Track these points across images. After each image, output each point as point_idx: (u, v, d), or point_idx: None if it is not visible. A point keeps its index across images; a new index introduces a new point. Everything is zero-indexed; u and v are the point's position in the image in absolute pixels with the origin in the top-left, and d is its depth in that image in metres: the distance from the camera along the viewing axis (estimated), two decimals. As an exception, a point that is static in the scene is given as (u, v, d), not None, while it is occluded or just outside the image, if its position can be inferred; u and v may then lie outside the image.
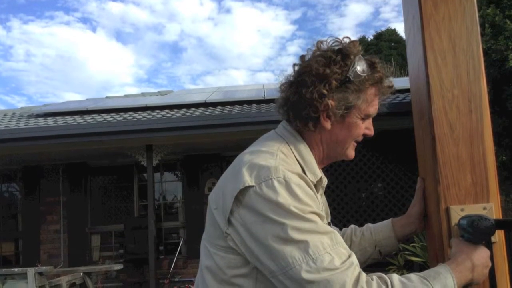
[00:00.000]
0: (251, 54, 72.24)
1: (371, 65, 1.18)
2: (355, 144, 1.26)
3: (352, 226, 1.50)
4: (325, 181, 1.30)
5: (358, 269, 1.01)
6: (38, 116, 8.93)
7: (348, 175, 7.75)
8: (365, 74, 1.15)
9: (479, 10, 1.37)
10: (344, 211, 7.64)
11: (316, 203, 1.07)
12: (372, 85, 1.18)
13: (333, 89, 1.14)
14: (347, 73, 1.14)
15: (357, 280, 0.98)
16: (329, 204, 1.46)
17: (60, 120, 8.25)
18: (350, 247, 1.37)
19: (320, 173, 1.22)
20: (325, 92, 1.14)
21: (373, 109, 1.22)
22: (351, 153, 1.26)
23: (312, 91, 1.14)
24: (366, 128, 1.23)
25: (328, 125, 1.18)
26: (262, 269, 1.05)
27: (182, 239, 9.13)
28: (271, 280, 1.04)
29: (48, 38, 72.65)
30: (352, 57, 1.15)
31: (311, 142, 1.22)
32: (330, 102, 1.14)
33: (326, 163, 1.28)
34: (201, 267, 1.19)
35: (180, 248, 8.95)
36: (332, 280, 0.96)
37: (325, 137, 1.21)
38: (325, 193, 1.37)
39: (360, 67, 1.14)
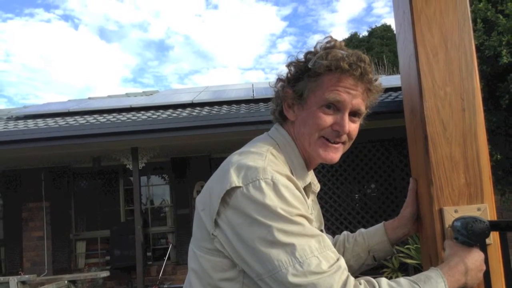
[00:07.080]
0: (241, 52, 72.38)
1: (329, 51, 1.16)
2: (328, 144, 1.19)
3: (345, 232, 1.51)
4: (317, 187, 1.32)
5: (346, 273, 1.01)
6: (18, 118, 8.86)
7: (340, 177, 7.77)
8: (323, 61, 1.14)
9: (470, 5, 1.37)
10: (337, 213, 7.65)
11: (304, 206, 1.07)
12: (328, 70, 1.15)
13: (293, 79, 1.22)
14: (307, 64, 1.18)
15: (344, 284, 0.98)
16: (321, 207, 1.45)
17: (40, 122, 8.18)
18: (343, 254, 1.39)
19: (309, 179, 1.22)
20: (286, 82, 1.24)
21: (332, 95, 1.14)
22: (323, 153, 1.18)
23: (279, 86, 1.27)
24: (335, 123, 1.16)
25: (290, 114, 1.23)
26: (249, 271, 1.05)
27: (170, 245, 9.10)
28: (258, 283, 1.04)
29: (29, 37, 72.15)
30: (318, 50, 1.19)
31: (295, 140, 1.23)
32: (288, 90, 1.22)
33: (313, 164, 1.27)
34: (188, 271, 1.19)
35: (169, 254, 8.91)
36: (319, 284, 0.97)
37: (295, 131, 1.23)
38: (316, 195, 1.36)
39: (318, 55, 1.16)
